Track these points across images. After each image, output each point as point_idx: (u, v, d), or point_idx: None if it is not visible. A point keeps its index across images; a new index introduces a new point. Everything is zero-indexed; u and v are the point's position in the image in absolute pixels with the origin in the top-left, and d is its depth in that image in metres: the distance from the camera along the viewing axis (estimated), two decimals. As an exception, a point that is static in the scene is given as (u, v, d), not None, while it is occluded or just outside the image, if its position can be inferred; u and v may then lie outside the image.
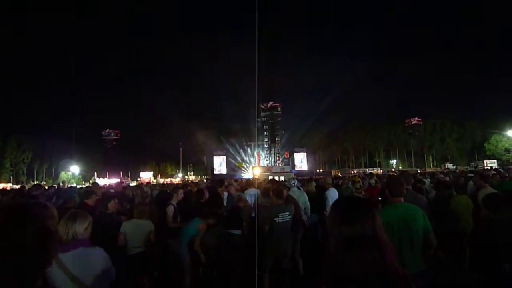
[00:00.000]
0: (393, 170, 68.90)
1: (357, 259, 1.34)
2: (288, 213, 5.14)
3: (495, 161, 64.75)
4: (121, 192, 8.60)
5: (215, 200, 5.75)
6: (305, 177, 25.69)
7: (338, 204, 1.71)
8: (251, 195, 8.19)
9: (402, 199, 3.34)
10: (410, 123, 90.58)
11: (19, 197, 7.31)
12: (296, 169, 66.81)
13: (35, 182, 60.59)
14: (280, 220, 4.99)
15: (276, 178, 23.77)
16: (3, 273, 1.05)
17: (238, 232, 4.42)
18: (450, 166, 68.86)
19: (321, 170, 77.04)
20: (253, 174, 51.40)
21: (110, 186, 15.22)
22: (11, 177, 68.49)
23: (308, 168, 71.31)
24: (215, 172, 67.12)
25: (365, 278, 1.31)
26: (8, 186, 45.73)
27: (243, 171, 68.86)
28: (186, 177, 72.97)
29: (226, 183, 8.81)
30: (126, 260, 4.63)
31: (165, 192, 9.50)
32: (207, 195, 6.54)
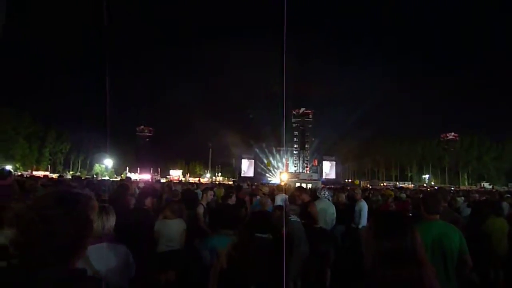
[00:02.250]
0: (425, 185, 66.66)
1: (395, 275, 1.31)
2: (297, 215, 5.36)
3: (536, 183, 61.32)
4: (154, 188, 8.77)
5: (237, 212, 5.86)
6: (336, 186, 25.33)
7: (378, 217, 1.68)
8: (281, 200, 8.17)
9: (438, 216, 3.23)
10: (445, 138, 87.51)
11: (64, 186, 7.61)
12: (324, 177, 66.00)
13: (71, 172, 63.35)
14: (292, 220, 5.19)
15: (304, 185, 23.65)
16: (41, 252, 1.10)
17: (266, 236, 4.42)
18: (487, 185, 65.91)
19: (349, 180, 75.61)
20: (281, 179, 51.21)
21: (148, 181, 15.54)
22: (49, 166, 71.71)
23: (336, 177, 70.28)
24: (242, 175, 67.46)
25: None
26: (46, 174, 47.76)
27: (269, 176, 68.84)
28: (214, 177, 73.73)
29: (246, 186, 8.76)
30: (156, 257, 4.73)
31: (190, 191, 9.64)
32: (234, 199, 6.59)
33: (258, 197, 7.95)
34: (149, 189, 7.11)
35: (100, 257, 2.53)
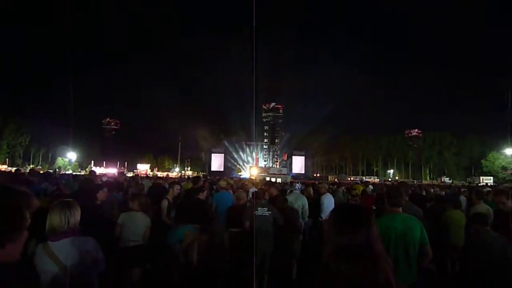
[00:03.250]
0: (389, 179, 69.02)
1: (349, 269, 1.31)
2: (266, 208, 5.50)
3: (491, 178, 64.86)
4: (119, 182, 8.52)
5: (200, 206, 6.02)
6: (306, 181, 25.70)
7: (335, 212, 1.69)
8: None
9: (400, 209, 3.32)
10: (410, 134, 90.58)
11: (11, 182, 7.24)
12: (293, 172, 66.86)
13: (31, 166, 60.54)
14: (259, 214, 5.36)
15: (273, 179, 23.84)
16: None
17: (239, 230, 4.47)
18: (447, 180, 69.03)
19: (318, 175, 77.02)
20: (250, 174, 51.44)
21: (112, 175, 15.04)
22: (7, 159, 68.27)
23: (305, 172, 71.35)
24: (212, 169, 67.15)
25: None
26: (3, 168, 45.54)
27: (239, 170, 68.95)
28: (183, 172, 72.85)
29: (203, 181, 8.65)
30: (121, 252, 4.59)
31: (159, 185, 9.46)
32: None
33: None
34: (101, 182, 6.91)
35: (67, 252, 2.47)
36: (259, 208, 5.41)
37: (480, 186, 31.58)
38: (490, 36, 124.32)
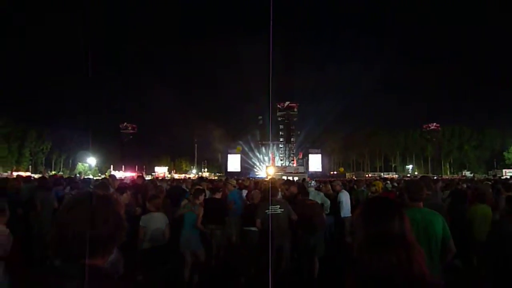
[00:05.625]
0: (409, 175, 67.84)
1: (383, 259, 1.29)
2: (279, 206, 5.48)
3: (515, 170, 63.02)
4: (139, 185, 8.65)
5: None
6: (321, 179, 25.48)
7: (366, 204, 1.68)
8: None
9: (421, 204, 3.26)
10: (428, 129, 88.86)
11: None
12: (310, 170, 66.45)
13: (53, 172, 62.06)
14: (271, 212, 5.34)
15: (290, 178, 23.76)
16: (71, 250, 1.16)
17: (254, 229, 4.48)
18: (468, 173, 67.40)
19: (335, 172, 76.35)
20: (267, 173, 51.36)
21: (131, 178, 15.28)
22: (30, 166, 70.14)
23: (322, 169, 70.84)
24: (229, 170, 67.37)
25: (391, 280, 1.27)
26: (27, 175, 46.66)
27: (256, 170, 68.94)
28: (200, 173, 73.39)
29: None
30: (145, 252, 4.69)
31: (179, 187, 9.57)
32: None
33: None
34: (125, 185, 7.04)
35: None
36: (271, 207, 5.40)
37: (504, 179, 30.73)
38: (509, 28, 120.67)
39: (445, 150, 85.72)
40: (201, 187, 6.76)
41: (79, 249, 1.14)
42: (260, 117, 74.12)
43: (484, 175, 60.81)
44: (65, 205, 1.24)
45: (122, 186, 6.75)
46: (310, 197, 7.17)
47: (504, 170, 63.67)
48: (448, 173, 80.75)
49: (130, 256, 3.04)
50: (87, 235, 1.15)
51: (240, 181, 12.70)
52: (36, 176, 18.06)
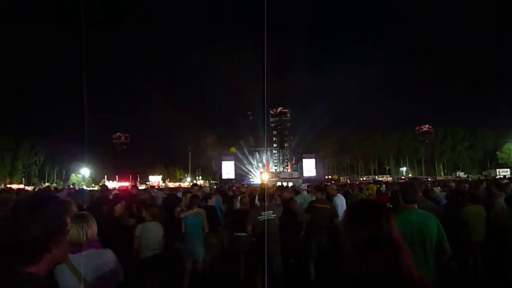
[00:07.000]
0: (403, 177, 68.15)
1: (371, 263, 1.30)
2: (271, 211, 5.41)
3: (508, 170, 63.59)
4: (134, 195, 8.60)
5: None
6: (313, 184, 25.47)
7: (353, 206, 1.69)
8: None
9: (416, 205, 3.28)
10: (420, 130, 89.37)
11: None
12: (304, 175, 66.47)
13: (46, 184, 61.40)
14: (263, 218, 5.28)
15: (285, 183, 23.76)
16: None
17: (244, 234, 4.48)
18: (462, 174, 67.87)
19: (329, 177, 76.47)
20: (261, 179, 51.27)
21: (125, 188, 15.15)
22: (23, 179, 69.39)
23: (316, 174, 70.89)
24: (223, 177, 67.15)
25: (380, 283, 1.27)
26: (20, 187, 46.18)
27: (251, 177, 68.83)
28: (194, 181, 73.09)
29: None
30: (141, 262, 4.67)
31: (174, 196, 9.52)
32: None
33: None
34: (118, 195, 7.00)
35: (87, 263, 2.49)
36: (262, 213, 5.35)
37: (498, 178, 30.96)
38: (500, 30, 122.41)
39: (438, 152, 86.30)
40: (195, 194, 6.76)
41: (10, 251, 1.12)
42: (249, 113, 73.90)
43: (478, 176, 61.34)
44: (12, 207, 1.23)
45: (117, 196, 6.71)
46: (302, 201, 7.20)
47: (497, 170, 64.26)
48: (442, 174, 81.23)
49: (128, 265, 3.01)
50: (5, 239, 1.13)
51: (234, 188, 12.70)
52: (30, 188, 17.86)
